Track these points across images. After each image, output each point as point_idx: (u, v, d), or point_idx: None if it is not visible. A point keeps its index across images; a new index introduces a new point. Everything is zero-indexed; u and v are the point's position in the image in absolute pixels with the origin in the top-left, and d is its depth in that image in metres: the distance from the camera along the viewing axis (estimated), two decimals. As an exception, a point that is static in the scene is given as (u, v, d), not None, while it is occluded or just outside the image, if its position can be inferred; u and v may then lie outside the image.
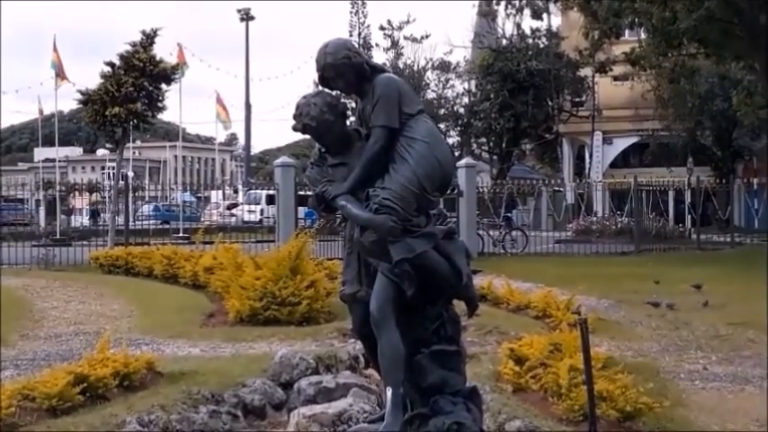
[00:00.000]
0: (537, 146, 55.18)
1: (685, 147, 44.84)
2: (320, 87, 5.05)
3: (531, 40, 51.18)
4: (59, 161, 47.13)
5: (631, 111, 48.52)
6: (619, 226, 30.36)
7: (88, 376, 6.36)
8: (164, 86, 22.82)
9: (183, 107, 43.78)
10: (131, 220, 26.62)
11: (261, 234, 26.07)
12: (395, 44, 53.04)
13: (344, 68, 4.80)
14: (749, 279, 16.61)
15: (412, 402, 4.73)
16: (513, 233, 27.68)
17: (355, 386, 7.06)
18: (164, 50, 26.32)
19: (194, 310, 12.07)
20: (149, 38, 22.39)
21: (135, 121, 22.42)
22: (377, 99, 4.71)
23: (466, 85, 54.61)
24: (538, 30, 51.64)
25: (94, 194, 35.85)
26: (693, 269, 19.14)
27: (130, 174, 41.45)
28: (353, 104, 5.42)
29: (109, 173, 56.65)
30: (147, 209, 38.26)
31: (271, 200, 31.50)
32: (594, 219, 32.60)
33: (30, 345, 9.78)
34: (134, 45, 22.15)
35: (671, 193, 38.30)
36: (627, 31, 31.84)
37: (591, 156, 49.52)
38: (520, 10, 50.36)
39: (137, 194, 31.91)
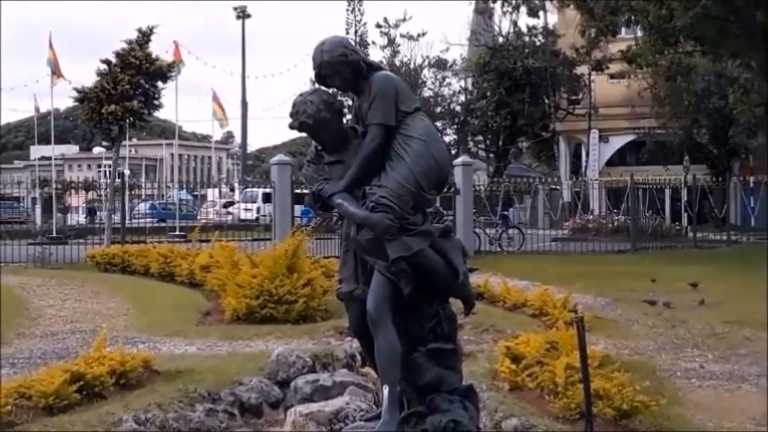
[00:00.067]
0: (533, 144, 55.23)
1: (682, 145, 44.90)
2: (317, 85, 5.04)
3: (527, 38, 51.19)
4: (55, 159, 47.04)
5: (628, 109, 48.55)
6: (615, 224, 30.40)
7: (85, 374, 6.36)
8: (160, 84, 22.83)
9: (179, 105, 43.61)
10: (128, 218, 26.58)
11: (257, 232, 26.04)
12: (391, 42, 52.98)
13: (341, 66, 4.79)
14: (745, 277, 16.64)
15: (409, 400, 4.73)
16: (510, 231, 27.70)
17: (352, 384, 7.06)
18: (160, 48, 26.28)
19: (191, 308, 12.06)
20: (145, 35, 22.38)
21: (131, 118, 22.40)
22: (373, 97, 4.71)
23: (462, 83, 54.61)
24: (534, 27, 51.70)
25: (91, 192, 35.77)
26: (690, 267, 19.17)
27: (127, 172, 41.42)
28: (350, 102, 5.41)
29: (105, 171, 56.48)
30: (143, 207, 38.18)
31: (267, 198, 31.55)
32: (591, 217, 32.63)
33: (26, 343, 9.77)
34: (130, 43, 22.14)
35: (667, 192, 38.35)
36: (623, 29, 31.89)
37: (587, 154, 49.56)
38: (516, 8, 50.31)
39: (133, 192, 31.92)
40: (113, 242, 21.15)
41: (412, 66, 52.90)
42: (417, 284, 4.61)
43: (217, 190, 47.90)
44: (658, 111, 44.00)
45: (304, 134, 5.03)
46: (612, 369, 6.55)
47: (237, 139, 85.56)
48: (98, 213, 34.77)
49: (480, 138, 53.87)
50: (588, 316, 9.09)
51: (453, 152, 45.38)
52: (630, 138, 49.68)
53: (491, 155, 53.14)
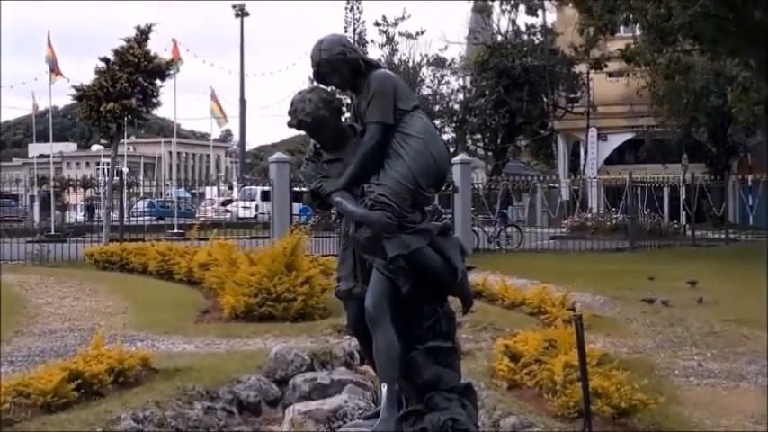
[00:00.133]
0: (532, 142, 55.28)
1: (680, 143, 44.91)
2: (315, 83, 5.04)
3: (526, 37, 51.25)
4: (54, 157, 47.04)
5: (626, 107, 48.55)
6: (614, 222, 30.38)
7: (83, 372, 6.36)
8: (158, 82, 22.82)
9: (177, 103, 43.65)
10: (126, 216, 26.59)
11: (256, 230, 26.09)
12: (390, 40, 52.98)
13: (340, 64, 4.78)
14: (744, 275, 16.66)
15: (407, 399, 4.73)
16: (509, 230, 27.69)
17: (350, 382, 7.06)
18: (158, 46, 26.24)
19: (189, 306, 12.05)
20: (144, 33, 22.36)
21: (129, 116, 22.40)
22: (372, 95, 4.70)
23: (461, 82, 54.65)
24: (533, 26, 51.76)
25: (89, 190, 35.79)
26: (688, 266, 19.19)
27: (125, 170, 41.43)
28: (348, 100, 5.40)
29: (103, 169, 56.61)
30: (141, 205, 38.25)
31: (266, 196, 31.47)
32: (589, 215, 32.61)
33: (24, 341, 9.75)
34: (128, 41, 22.12)
35: (666, 190, 38.39)
36: (622, 28, 31.84)
37: (586, 152, 49.58)
38: (515, 6, 50.37)
39: (131, 190, 31.88)
40: (112, 240, 21.15)
41: (410, 64, 52.90)
42: (416, 282, 4.60)
43: (215, 188, 47.95)
44: (657, 109, 44.00)
45: (303, 132, 5.03)
46: (611, 367, 6.54)
47: (236, 137, 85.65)
48: (96, 211, 34.76)
49: (479, 136, 53.90)
50: (586, 314, 9.10)
51: (452, 150, 45.50)
52: (629, 136, 49.69)
53: (489, 153, 53.17)
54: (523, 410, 6.11)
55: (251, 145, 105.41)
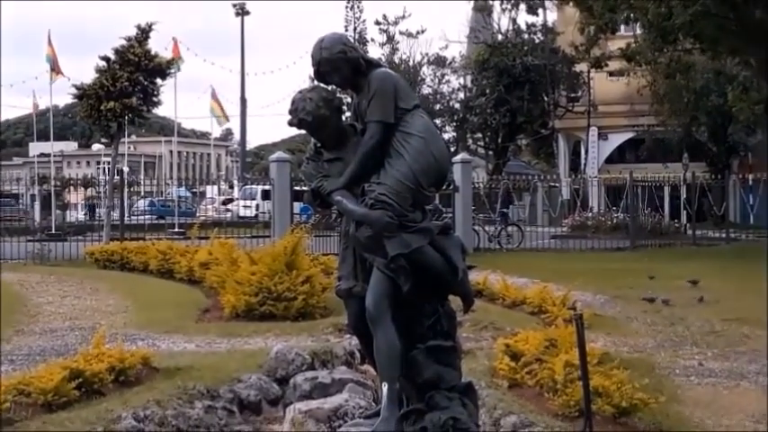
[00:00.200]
0: (533, 141, 55.26)
1: (681, 142, 44.88)
2: (316, 82, 5.04)
3: (526, 36, 51.22)
4: (54, 156, 47.02)
5: (627, 106, 48.52)
6: (614, 222, 30.38)
7: (83, 371, 6.35)
8: (159, 81, 22.81)
9: (178, 102, 43.71)
10: (127, 215, 26.58)
11: (256, 229, 26.06)
12: (390, 39, 52.99)
13: (340, 63, 4.78)
14: (744, 275, 16.64)
15: (407, 398, 4.73)
16: (509, 229, 27.67)
17: (351, 382, 7.05)
18: (159, 45, 26.27)
19: (190, 305, 12.05)
20: (144, 32, 22.35)
21: (130, 115, 22.40)
22: (372, 94, 4.70)
23: (462, 81, 54.66)
24: (533, 25, 51.71)
25: (89, 189, 35.77)
26: (689, 265, 19.18)
27: (126, 169, 41.42)
28: (349, 99, 5.40)
29: (104, 168, 56.56)
30: (142, 204, 38.19)
31: (266, 195, 31.49)
32: (590, 214, 32.60)
33: (25, 340, 9.76)
34: (129, 39, 22.11)
35: (666, 189, 38.37)
36: (622, 27, 31.83)
37: (586, 151, 49.55)
38: (515, 5, 50.35)
39: (132, 189, 31.88)
40: (112, 239, 21.14)
41: (411, 63, 52.92)
42: (416, 282, 4.60)
43: (216, 187, 47.87)
44: (657, 108, 43.97)
45: (303, 131, 5.03)
46: (611, 366, 6.54)
47: (236, 136, 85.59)
48: (97, 210, 34.74)
49: (479, 135, 53.88)
50: (587, 313, 9.09)
51: (452, 149, 45.46)
52: (629, 135, 49.67)
53: (490, 152, 53.15)
54: (524, 410, 6.10)
55: (251, 144, 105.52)
